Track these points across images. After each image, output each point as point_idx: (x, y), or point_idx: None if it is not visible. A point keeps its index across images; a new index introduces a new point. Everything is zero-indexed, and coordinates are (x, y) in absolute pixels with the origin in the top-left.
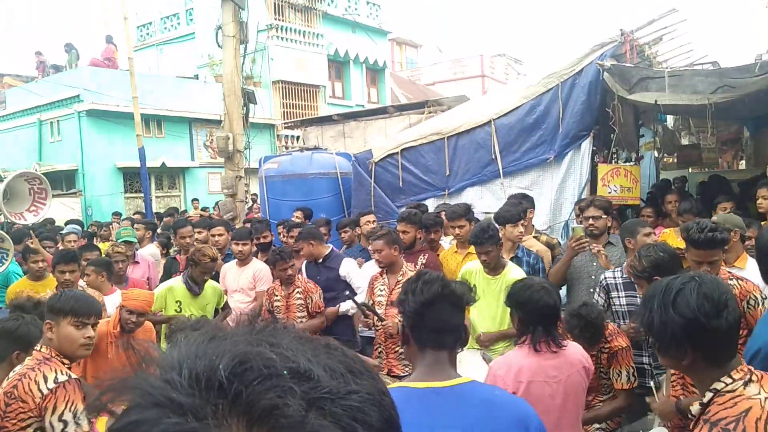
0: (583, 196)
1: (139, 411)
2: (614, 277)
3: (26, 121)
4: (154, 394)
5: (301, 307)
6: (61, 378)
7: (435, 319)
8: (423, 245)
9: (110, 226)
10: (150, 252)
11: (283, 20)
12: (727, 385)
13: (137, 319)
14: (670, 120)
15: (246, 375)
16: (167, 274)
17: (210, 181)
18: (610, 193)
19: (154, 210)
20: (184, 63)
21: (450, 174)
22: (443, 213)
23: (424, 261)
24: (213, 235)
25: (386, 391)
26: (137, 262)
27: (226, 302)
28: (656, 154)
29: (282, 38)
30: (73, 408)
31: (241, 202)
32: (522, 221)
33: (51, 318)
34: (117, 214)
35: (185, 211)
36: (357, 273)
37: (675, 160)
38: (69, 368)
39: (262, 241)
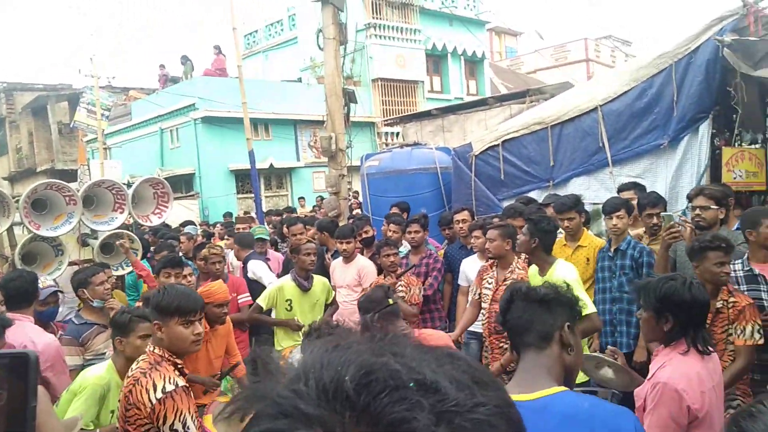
0: (702, 183)
1: (269, 421)
2: (734, 270)
3: (149, 130)
4: (283, 405)
5: (402, 300)
6: (169, 387)
7: (514, 320)
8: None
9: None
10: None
11: (380, 18)
12: None
13: (227, 309)
14: None
15: (372, 386)
16: (285, 272)
17: (314, 180)
18: (735, 178)
19: (264, 209)
20: (288, 67)
21: (554, 164)
22: (551, 206)
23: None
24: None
25: (512, 403)
26: (268, 259)
27: (334, 298)
28: None
29: (380, 36)
30: (182, 417)
31: (344, 200)
32: (618, 213)
33: (158, 318)
34: (228, 215)
35: (293, 209)
36: (263, 271)
37: None
38: (181, 367)
39: (363, 236)
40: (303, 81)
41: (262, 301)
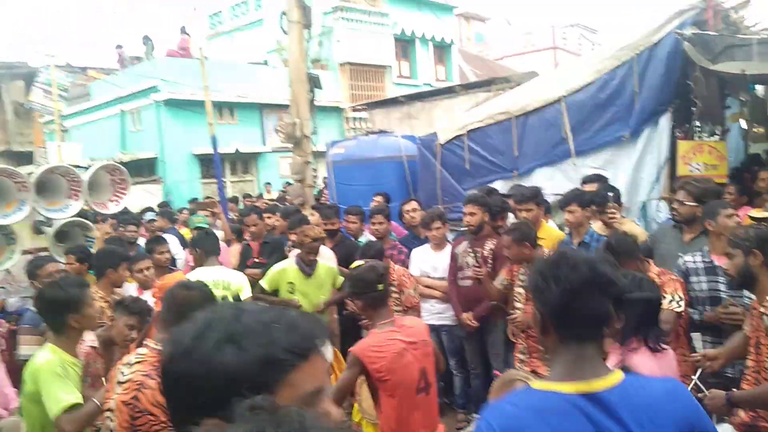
0: (662, 175)
1: None
2: (694, 261)
3: (110, 112)
4: None
5: (396, 302)
6: None
7: (581, 309)
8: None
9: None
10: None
11: (348, 1)
12: None
13: None
14: (760, 89)
15: None
16: (242, 261)
17: (281, 165)
18: (692, 171)
19: (229, 195)
20: (255, 49)
21: (519, 155)
22: (512, 196)
23: (492, 246)
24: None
25: None
26: None
27: (344, 282)
28: (744, 126)
29: (347, 19)
30: None
31: (309, 188)
32: (569, 207)
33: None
34: (194, 200)
35: (260, 195)
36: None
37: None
38: None
39: (328, 227)
40: (269, 64)
41: (265, 282)
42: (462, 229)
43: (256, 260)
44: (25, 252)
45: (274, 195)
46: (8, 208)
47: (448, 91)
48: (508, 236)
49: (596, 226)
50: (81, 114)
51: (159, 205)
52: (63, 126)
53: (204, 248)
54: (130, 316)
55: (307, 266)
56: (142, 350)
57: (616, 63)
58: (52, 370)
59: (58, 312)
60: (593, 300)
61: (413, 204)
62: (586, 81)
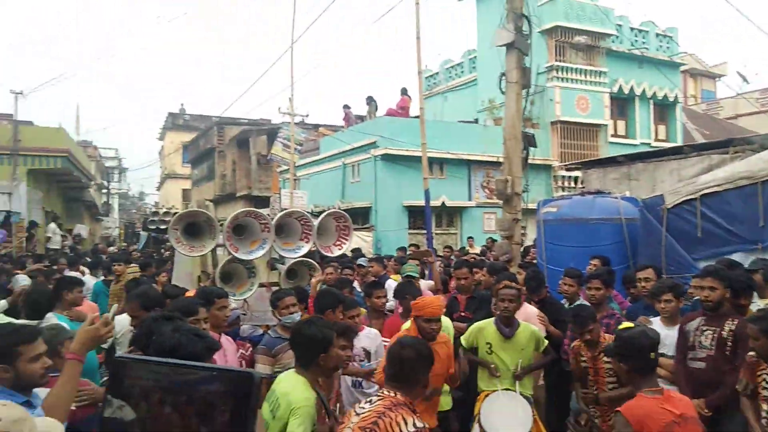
0: None
1: None
2: None
3: (334, 164)
4: None
5: (610, 372)
6: (419, 424)
7: None
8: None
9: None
10: None
11: (564, 60)
12: None
13: (437, 326)
14: None
15: None
16: (448, 313)
17: (485, 221)
18: None
19: (433, 246)
20: (465, 108)
21: (765, 225)
22: (759, 272)
23: (732, 327)
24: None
25: None
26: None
27: (547, 346)
28: None
29: (562, 78)
30: None
31: (517, 245)
32: None
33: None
34: (402, 249)
35: (462, 249)
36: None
37: None
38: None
39: (534, 298)
40: (480, 122)
41: (464, 339)
42: (690, 303)
43: (462, 314)
44: (261, 285)
45: (476, 249)
46: (253, 246)
47: (675, 152)
48: (755, 326)
49: None
50: (310, 165)
51: (352, 251)
52: (295, 175)
53: (413, 295)
54: (338, 338)
55: (506, 327)
56: (382, 393)
57: None
58: (310, 413)
59: (311, 349)
60: None
61: (649, 272)
62: None
